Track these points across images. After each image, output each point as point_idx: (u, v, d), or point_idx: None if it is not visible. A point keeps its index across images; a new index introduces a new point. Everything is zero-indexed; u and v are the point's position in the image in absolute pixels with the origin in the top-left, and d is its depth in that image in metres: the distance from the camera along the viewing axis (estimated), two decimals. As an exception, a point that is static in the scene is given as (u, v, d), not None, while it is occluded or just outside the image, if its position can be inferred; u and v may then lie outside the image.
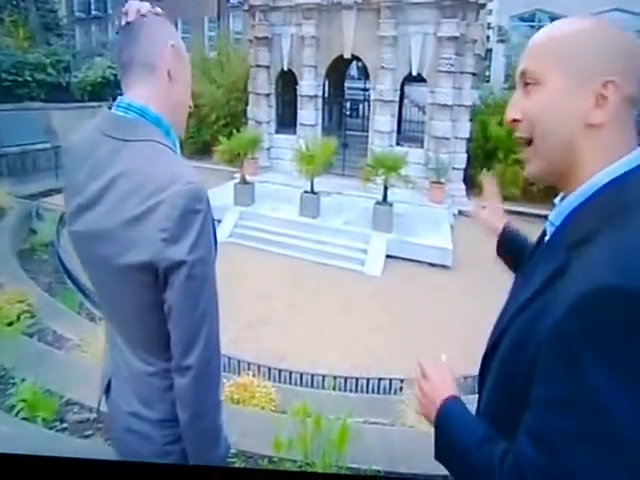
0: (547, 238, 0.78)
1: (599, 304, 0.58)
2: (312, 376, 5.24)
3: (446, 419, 0.83)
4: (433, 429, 0.85)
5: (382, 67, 12.17)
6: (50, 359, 3.67)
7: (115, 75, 17.82)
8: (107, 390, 1.11)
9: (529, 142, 0.76)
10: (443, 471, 2.51)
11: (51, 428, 2.82)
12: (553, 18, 17.19)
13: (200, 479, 0.90)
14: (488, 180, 1.46)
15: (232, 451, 2.43)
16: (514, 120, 0.78)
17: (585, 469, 0.59)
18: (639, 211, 0.64)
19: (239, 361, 5.43)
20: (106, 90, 17.68)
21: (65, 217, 1.03)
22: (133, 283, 0.92)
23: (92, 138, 0.97)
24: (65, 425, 2.87)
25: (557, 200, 0.79)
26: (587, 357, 0.58)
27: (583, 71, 0.70)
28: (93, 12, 26.24)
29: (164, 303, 0.91)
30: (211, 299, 0.93)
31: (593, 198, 0.70)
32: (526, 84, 0.76)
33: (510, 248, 1.27)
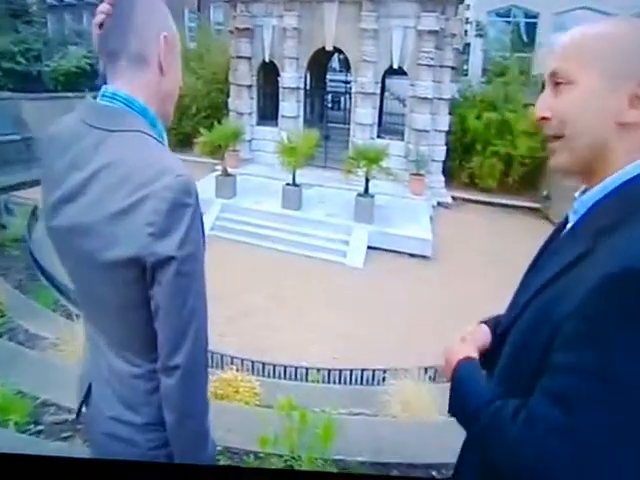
0: (569, 225, 0.82)
1: (627, 283, 0.62)
2: (296, 369, 5.27)
3: (459, 377, 0.87)
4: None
5: (363, 60, 12.17)
6: (22, 359, 3.51)
7: (91, 65, 17.28)
8: (87, 394, 1.07)
9: (558, 137, 0.79)
10: (426, 459, 2.56)
11: (25, 432, 2.66)
12: (527, 14, 17.55)
13: (194, 477, 0.90)
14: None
15: (217, 448, 2.43)
16: (543, 118, 0.80)
17: (600, 429, 0.64)
18: None
19: (222, 355, 5.40)
20: (82, 80, 17.10)
21: (43, 211, 0.97)
22: (118, 280, 0.88)
23: (74, 128, 0.92)
24: (41, 427, 2.73)
25: (577, 194, 0.82)
26: (613, 332, 0.63)
27: (619, 71, 0.72)
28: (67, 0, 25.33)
29: (151, 301, 0.87)
30: (200, 296, 0.90)
31: (619, 190, 0.73)
32: (557, 83, 0.78)
33: None
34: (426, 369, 4.47)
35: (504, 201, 13.00)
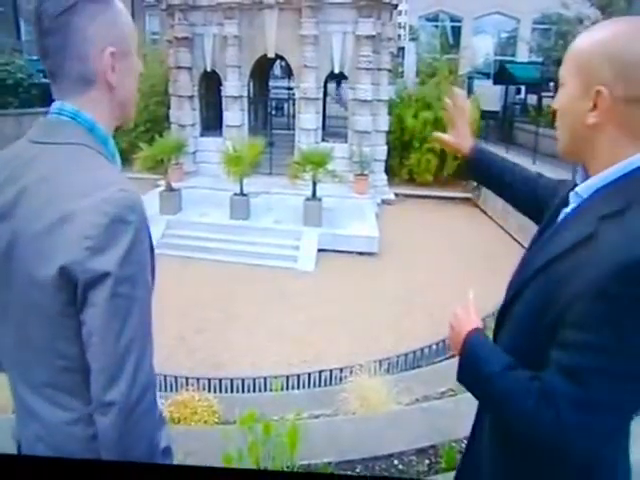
0: (572, 207, 0.88)
1: (636, 271, 0.70)
2: (254, 380, 5.18)
3: (471, 346, 0.91)
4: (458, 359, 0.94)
5: (305, 65, 12.30)
6: None
7: (2, 80, 16.06)
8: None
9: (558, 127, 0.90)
10: (386, 450, 2.58)
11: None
12: (452, 18, 18.56)
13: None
14: (457, 93, 1.41)
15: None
16: (554, 110, 0.90)
17: (614, 402, 0.74)
18: None
19: (176, 377, 5.18)
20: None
21: None
22: (48, 303, 0.80)
23: (19, 147, 0.88)
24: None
25: (578, 179, 0.90)
26: (627, 315, 0.71)
27: (586, 78, 0.80)
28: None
29: (83, 327, 0.79)
30: (141, 325, 0.81)
31: (622, 179, 0.79)
32: (560, 83, 0.88)
33: (484, 168, 1.35)
34: (380, 362, 4.55)
35: (440, 193, 13.92)
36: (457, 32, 18.54)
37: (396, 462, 2.60)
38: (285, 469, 2.33)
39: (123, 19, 0.91)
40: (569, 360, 0.76)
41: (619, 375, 0.74)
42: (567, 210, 0.89)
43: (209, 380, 5.14)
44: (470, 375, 0.91)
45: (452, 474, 2.31)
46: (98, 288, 0.76)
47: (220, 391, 5.06)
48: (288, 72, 15.46)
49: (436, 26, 18.47)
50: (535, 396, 0.78)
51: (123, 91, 0.92)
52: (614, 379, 0.74)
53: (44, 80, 17.45)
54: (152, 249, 0.88)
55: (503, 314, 0.94)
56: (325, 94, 14.49)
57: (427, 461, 2.60)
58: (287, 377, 5.15)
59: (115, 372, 0.78)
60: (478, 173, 1.36)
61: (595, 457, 0.81)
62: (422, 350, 5.82)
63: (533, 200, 1.18)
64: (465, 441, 2.57)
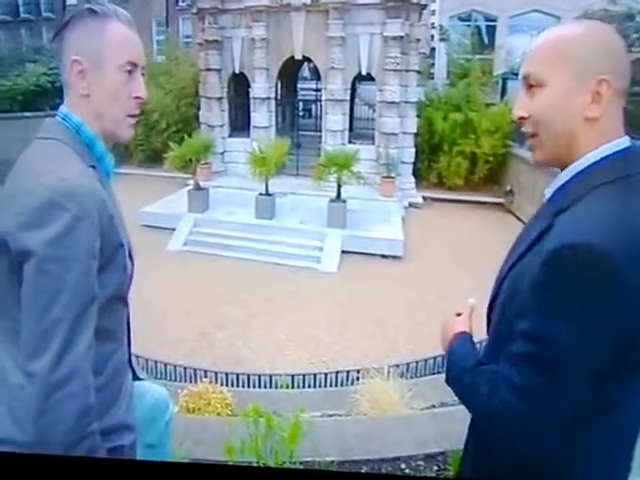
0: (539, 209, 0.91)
1: (565, 257, 0.71)
2: (270, 377, 5.22)
3: (451, 348, 0.98)
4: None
5: (332, 67, 12.31)
6: None
7: (52, 83, 16.85)
8: None
9: (534, 134, 0.86)
10: (393, 453, 2.54)
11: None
12: (486, 17, 18.12)
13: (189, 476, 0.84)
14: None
15: (185, 461, 2.38)
16: (520, 118, 0.87)
17: (547, 387, 0.75)
18: (616, 186, 0.76)
19: (195, 370, 5.34)
20: (42, 99, 16.43)
21: None
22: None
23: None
24: None
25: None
26: (554, 301, 0.73)
27: (582, 71, 0.78)
28: (23, 15, 24.74)
29: None
30: (75, 309, 0.83)
31: (580, 174, 0.81)
32: (530, 86, 0.84)
33: None
34: (397, 365, 4.49)
35: (470, 198, 13.52)
36: (491, 31, 18.09)
37: (403, 466, 2.56)
38: (287, 464, 2.33)
39: (107, 34, 0.98)
40: (513, 348, 0.79)
41: (548, 363, 0.75)
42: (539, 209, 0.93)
43: (226, 374, 5.24)
44: (448, 371, 0.96)
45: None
46: (27, 262, 0.83)
47: (237, 385, 5.15)
48: (316, 74, 15.52)
49: (468, 25, 18.12)
50: (488, 384, 0.82)
51: (97, 102, 1.00)
52: (545, 368, 0.75)
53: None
54: (116, 239, 0.94)
55: (489, 314, 0.97)
56: (353, 96, 14.44)
57: (435, 467, 2.55)
58: (303, 376, 5.18)
59: (39, 345, 0.82)
60: None
61: (545, 448, 0.79)
62: (443, 357, 5.68)
63: None
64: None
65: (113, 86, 0.99)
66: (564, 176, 0.84)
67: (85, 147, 0.98)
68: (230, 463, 2.42)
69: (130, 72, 1.01)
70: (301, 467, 2.41)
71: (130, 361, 1.13)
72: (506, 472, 0.89)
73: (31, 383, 0.82)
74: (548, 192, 0.88)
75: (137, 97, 1.03)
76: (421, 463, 2.55)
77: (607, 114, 0.79)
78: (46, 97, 16.54)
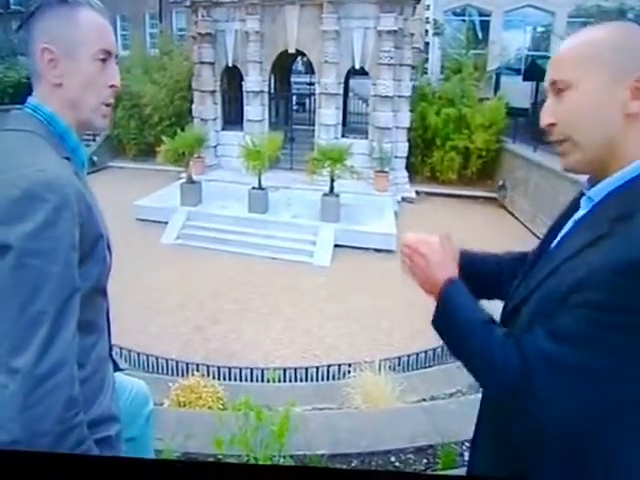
0: (584, 211, 0.86)
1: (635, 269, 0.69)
2: (262, 370, 5.24)
3: (451, 296, 0.91)
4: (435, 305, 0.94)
5: (326, 61, 12.27)
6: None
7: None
8: None
9: (565, 140, 0.84)
10: (384, 446, 2.56)
11: None
12: (481, 12, 18.08)
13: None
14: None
15: (175, 454, 2.39)
16: (549, 125, 0.86)
17: (581, 365, 0.74)
18: None
19: (187, 364, 5.35)
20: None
21: None
22: None
23: None
24: None
25: (585, 180, 0.88)
26: (618, 311, 0.71)
27: (618, 69, 0.78)
28: (13, 7, 24.28)
29: None
30: (57, 301, 0.83)
31: (633, 183, 0.78)
32: (558, 90, 0.83)
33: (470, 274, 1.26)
34: (388, 360, 4.52)
35: (464, 192, 13.60)
36: (485, 26, 18.07)
37: (393, 459, 2.57)
38: (276, 457, 2.34)
39: (79, 22, 0.97)
40: (555, 324, 0.77)
41: (594, 351, 0.73)
42: (578, 215, 0.87)
43: (218, 368, 5.26)
44: (447, 322, 0.91)
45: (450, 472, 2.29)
46: (5, 257, 0.81)
47: (229, 379, 5.16)
48: (310, 68, 15.45)
49: (463, 20, 18.09)
50: (508, 348, 0.79)
51: (70, 91, 0.97)
52: (588, 350, 0.73)
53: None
54: (96, 230, 0.93)
55: (517, 310, 0.91)
56: (346, 90, 14.41)
57: (425, 460, 2.57)
58: (295, 369, 5.20)
59: (20, 341, 0.81)
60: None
61: (566, 428, 0.78)
62: (434, 350, 5.74)
63: None
64: (467, 444, 2.54)
65: (87, 75, 0.98)
66: (614, 181, 0.80)
67: (58, 139, 0.97)
68: (220, 457, 2.44)
69: (104, 60, 0.99)
70: (291, 460, 2.43)
71: (111, 352, 1.13)
72: (517, 461, 0.87)
73: (14, 379, 0.81)
74: (595, 194, 0.84)
75: (112, 85, 1.01)
76: (411, 456, 2.57)
77: None
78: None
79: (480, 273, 1.10)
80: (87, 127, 1.03)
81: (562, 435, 0.80)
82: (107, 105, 1.02)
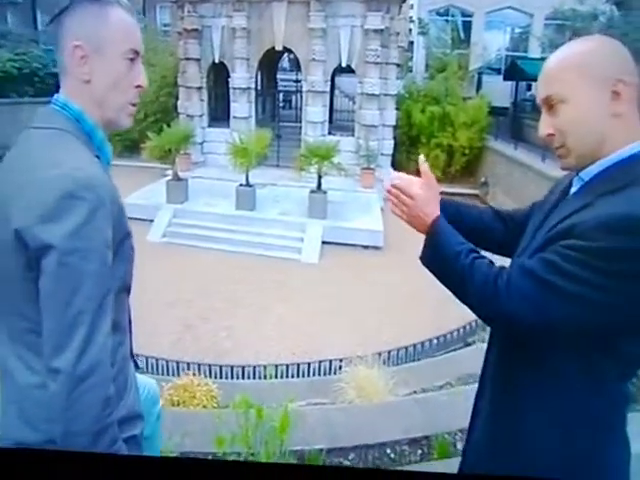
0: (575, 188, 0.99)
1: (628, 223, 0.81)
2: (254, 368, 5.25)
3: (440, 228, 1.01)
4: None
5: (313, 59, 12.29)
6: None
7: (19, 69, 16.15)
8: None
9: (562, 145, 0.95)
10: (380, 439, 2.62)
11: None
12: (463, 12, 18.32)
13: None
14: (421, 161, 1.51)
15: (173, 454, 2.40)
16: (548, 135, 0.97)
17: (559, 293, 0.85)
18: None
19: (178, 362, 5.31)
20: (8, 85, 15.60)
21: None
22: (10, 266, 0.86)
23: (23, 133, 0.97)
24: None
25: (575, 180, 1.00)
26: (601, 261, 0.82)
27: (601, 79, 0.89)
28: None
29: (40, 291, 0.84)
30: (95, 300, 0.84)
31: (622, 163, 0.89)
32: (551, 105, 0.94)
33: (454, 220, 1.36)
34: (379, 354, 4.59)
35: (448, 189, 13.76)
36: (468, 27, 18.35)
37: (389, 451, 2.63)
38: (277, 454, 2.37)
39: (110, 21, 0.96)
40: (550, 257, 0.88)
41: (570, 295, 0.84)
42: (571, 192, 0.99)
43: (210, 366, 5.24)
44: (437, 253, 1.00)
45: (444, 462, 2.37)
46: (47, 256, 0.81)
47: (221, 377, 5.15)
48: (296, 65, 15.43)
49: (446, 20, 18.32)
50: (494, 269, 0.91)
51: (98, 89, 0.97)
52: (566, 278, 0.84)
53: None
54: (124, 229, 0.94)
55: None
56: (333, 87, 14.45)
57: (419, 451, 2.63)
58: (287, 366, 5.23)
59: (62, 340, 0.82)
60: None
61: (545, 341, 0.90)
62: (422, 344, 5.86)
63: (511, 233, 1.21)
64: (459, 433, 2.62)
65: (116, 73, 0.98)
66: (602, 164, 0.92)
67: (86, 136, 0.96)
68: (220, 455, 2.46)
69: (132, 60, 0.99)
70: (293, 456, 2.46)
71: (132, 352, 1.13)
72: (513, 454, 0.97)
73: (54, 379, 0.82)
74: (585, 175, 0.95)
75: (138, 85, 1.02)
76: (406, 448, 2.63)
77: (630, 110, 0.90)
78: (12, 83, 15.83)
79: (462, 219, 1.22)
80: (112, 126, 1.02)
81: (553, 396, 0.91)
82: (133, 105, 1.03)
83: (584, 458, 0.91)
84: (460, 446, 2.53)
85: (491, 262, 0.94)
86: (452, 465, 2.25)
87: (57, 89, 1.01)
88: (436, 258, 1.01)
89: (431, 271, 1.03)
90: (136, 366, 1.20)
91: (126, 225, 0.97)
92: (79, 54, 0.95)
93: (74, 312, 0.82)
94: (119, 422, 0.94)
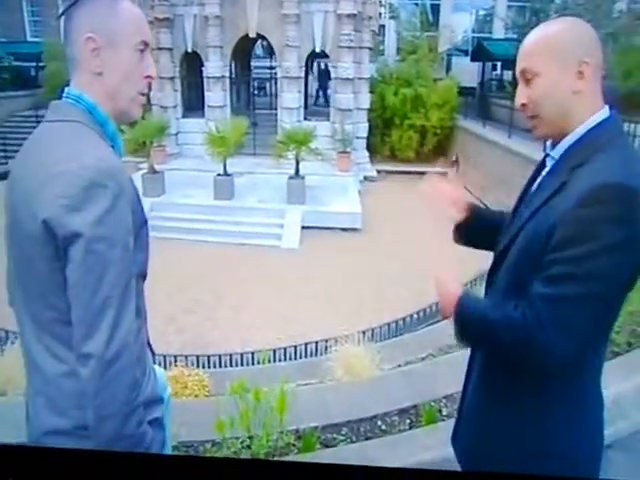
0: (549, 168, 1.08)
1: (605, 194, 0.88)
2: (242, 355, 5.28)
3: (463, 307, 1.09)
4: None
5: (287, 45, 12.19)
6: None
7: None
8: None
9: (534, 116, 1.05)
10: (371, 412, 2.70)
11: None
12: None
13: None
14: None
15: (172, 444, 2.42)
16: (522, 105, 1.06)
17: (579, 302, 0.91)
18: (614, 144, 0.97)
19: (164, 356, 5.22)
20: None
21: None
22: (37, 256, 0.88)
23: (39, 127, 0.99)
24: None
25: (548, 145, 1.10)
26: (596, 232, 0.89)
27: (569, 58, 0.99)
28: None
29: (67, 280, 0.86)
30: (120, 285, 0.87)
31: (587, 135, 1.00)
32: (527, 78, 1.04)
33: (481, 226, 1.42)
34: (364, 332, 4.69)
35: (421, 169, 14.02)
36: (436, 10, 18.45)
37: (379, 423, 2.71)
38: (275, 434, 2.42)
39: (121, 13, 0.99)
40: (551, 271, 0.94)
41: (586, 280, 0.91)
42: (545, 172, 1.09)
43: (197, 357, 5.23)
44: (464, 325, 1.08)
45: (432, 427, 2.48)
46: (74, 244, 0.84)
47: (209, 367, 5.14)
48: (270, 52, 15.25)
49: (416, 4, 18.36)
50: (521, 309, 0.96)
51: (111, 81, 0.99)
52: (581, 283, 0.91)
53: (15, 63, 16.94)
54: (141, 217, 0.98)
55: (501, 258, 1.11)
56: (307, 73, 14.38)
57: (408, 420, 2.73)
58: (274, 351, 5.26)
59: (92, 325, 0.85)
60: (470, 234, 1.45)
61: (571, 363, 0.96)
62: (404, 319, 6.00)
63: None
64: (444, 400, 2.74)
65: (128, 65, 1.00)
66: (567, 141, 1.02)
67: (100, 128, 0.98)
68: (219, 441, 2.48)
69: (142, 51, 1.01)
70: (290, 435, 2.51)
71: (148, 337, 1.15)
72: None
73: (85, 364, 0.85)
74: (556, 152, 1.05)
75: (148, 76, 1.04)
76: (395, 418, 2.73)
77: (591, 89, 1.01)
78: None
79: (485, 225, 1.36)
80: (124, 116, 1.04)
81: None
82: (143, 95, 1.05)
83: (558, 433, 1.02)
84: (445, 412, 2.65)
85: (515, 306, 0.98)
86: (439, 429, 2.37)
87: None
88: (465, 331, 1.09)
89: (469, 342, 1.14)
90: (152, 353, 1.20)
91: (143, 213, 1.00)
92: (91, 46, 0.96)
93: (102, 298, 0.85)
94: (143, 405, 0.97)
